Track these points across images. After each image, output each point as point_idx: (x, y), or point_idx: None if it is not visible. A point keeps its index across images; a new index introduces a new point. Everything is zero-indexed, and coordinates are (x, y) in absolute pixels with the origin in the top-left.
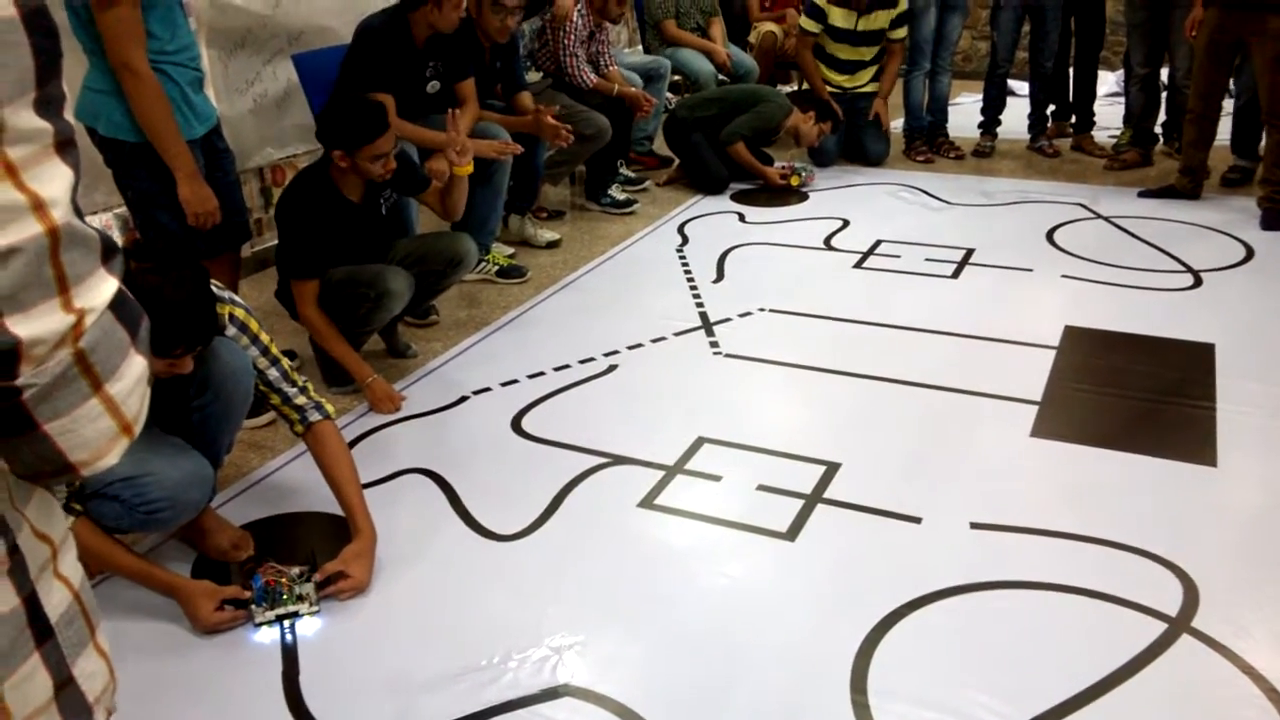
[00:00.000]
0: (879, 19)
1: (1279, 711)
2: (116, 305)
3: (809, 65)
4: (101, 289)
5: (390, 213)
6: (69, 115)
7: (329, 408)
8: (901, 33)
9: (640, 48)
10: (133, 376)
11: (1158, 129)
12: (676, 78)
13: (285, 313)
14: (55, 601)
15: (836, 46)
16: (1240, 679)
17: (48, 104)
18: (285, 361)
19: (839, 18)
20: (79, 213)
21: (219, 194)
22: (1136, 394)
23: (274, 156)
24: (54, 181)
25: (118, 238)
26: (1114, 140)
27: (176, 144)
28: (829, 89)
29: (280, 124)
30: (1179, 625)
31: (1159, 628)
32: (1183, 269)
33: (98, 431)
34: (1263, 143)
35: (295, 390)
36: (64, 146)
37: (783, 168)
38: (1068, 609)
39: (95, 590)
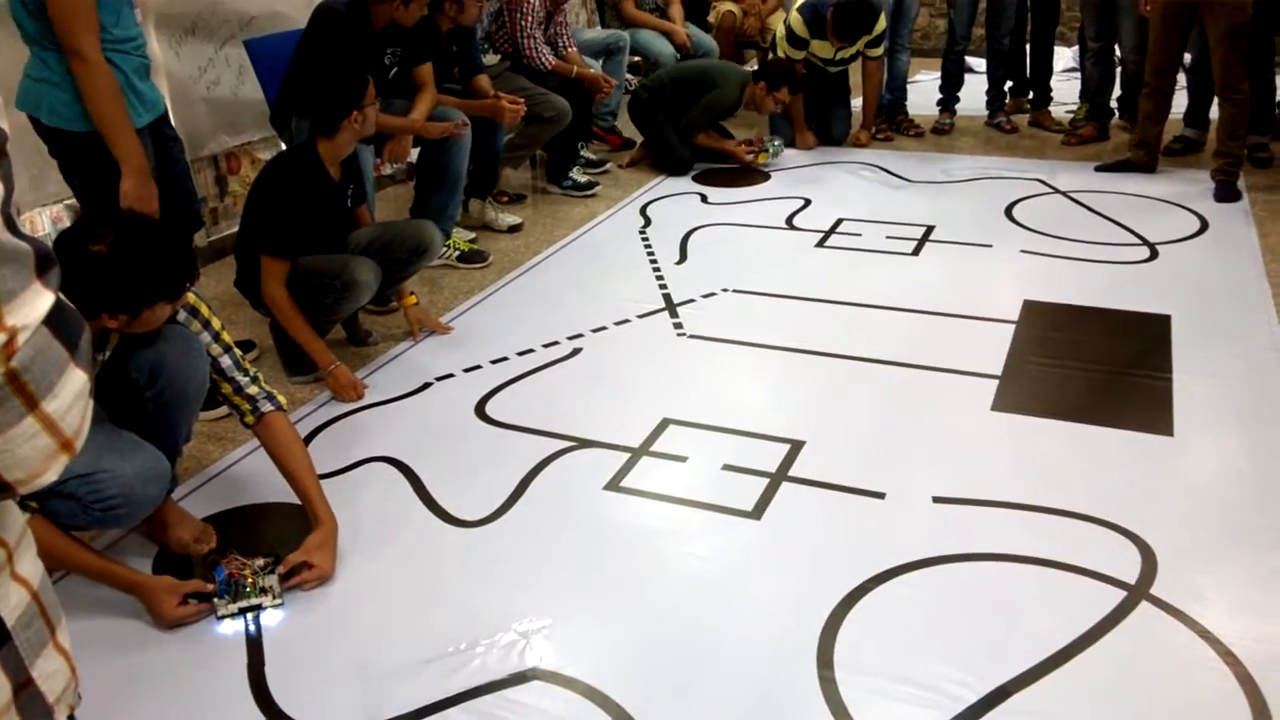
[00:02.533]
0: (856, 45)
1: (1234, 673)
2: (53, 320)
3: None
4: (36, 304)
5: (352, 202)
6: (2, 119)
7: (280, 398)
8: (879, 51)
9: (599, 29)
10: (71, 392)
11: (1113, 103)
12: (636, 59)
13: (246, 303)
14: (13, 604)
15: (814, 67)
16: (1197, 643)
17: None
18: (237, 350)
19: (818, 47)
20: (12, 224)
21: (168, 182)
22: (1094, 366)
23: (229, 144)
24: None
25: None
26: (1071, 115)
27: (125, 134)
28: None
29: (235, 111)
30: (1138, 593)
31: (1118, 595)
32: (1139, 242)
33: (35, 449)
34: (1214, 115)
35: (247, 379)
36: None
37: (751, 143)
38: (1029, 579)
39: (55, 587)
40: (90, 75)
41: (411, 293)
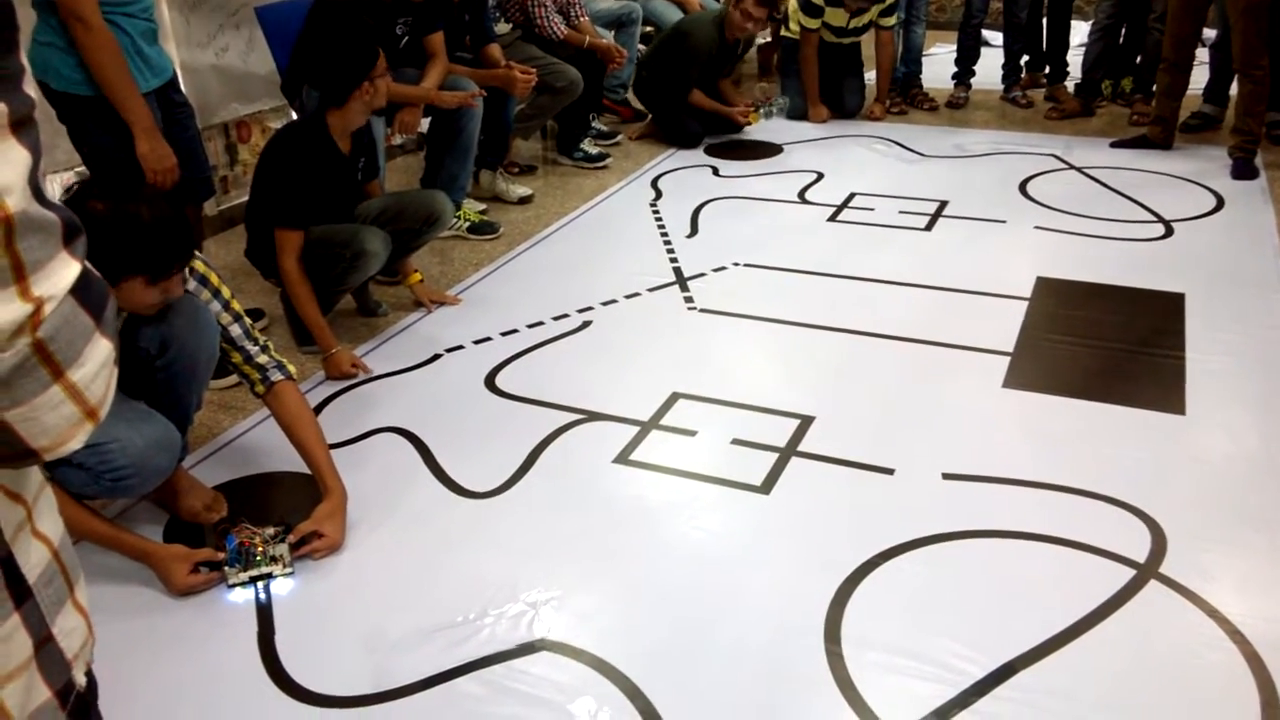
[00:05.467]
0: (870, 13)
1: (1242, 653)
2: (80, 289)
3: (810, 65)
4: (63, 274)
5: (364, 176)
6: (31, 85)
7: (290, 368)
8: (892, 20)
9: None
10: (97, 361)
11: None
12: (648, 28)
13: (255, 272)
14: (34, 561)
15: (829, 35)
16: (1206, 622)
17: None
18: (247, 319)
19: (832, 15)
20: (40, 193)
21: (178, 150)
22: (1107, 344)
23: (239, 112)
24: (6, 167)
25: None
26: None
27: (132, 97)
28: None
29: (245, 79)
30: (1147, 571)
31: (1127, 574)
32: (1154, 219)
33: (60, 418)
34: (1233, 91)
35: (257, 348)
36: (20, 126)
37: (747, 105)
38: (1038, 557)
39: None
40: (92, 39)
41: (415, 270)
